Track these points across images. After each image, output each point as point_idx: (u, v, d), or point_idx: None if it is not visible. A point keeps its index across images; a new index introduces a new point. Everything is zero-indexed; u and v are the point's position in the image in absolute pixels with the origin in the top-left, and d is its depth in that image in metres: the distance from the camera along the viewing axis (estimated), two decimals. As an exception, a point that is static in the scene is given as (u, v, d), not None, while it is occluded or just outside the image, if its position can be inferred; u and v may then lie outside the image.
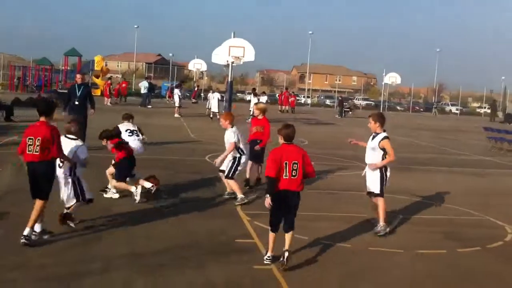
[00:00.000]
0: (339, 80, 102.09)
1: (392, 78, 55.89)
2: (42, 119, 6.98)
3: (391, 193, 11.38)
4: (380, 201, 8.20)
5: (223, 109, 29.88)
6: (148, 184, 9.47)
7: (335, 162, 15.51)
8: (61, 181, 7.44)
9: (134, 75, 70.49)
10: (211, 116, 30.58)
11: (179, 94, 32.46)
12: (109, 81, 41.52)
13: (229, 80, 28.03)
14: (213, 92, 32.92)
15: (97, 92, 46.63)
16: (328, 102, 67.97)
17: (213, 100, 31.29)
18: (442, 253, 7.54)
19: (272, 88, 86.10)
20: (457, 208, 10.44)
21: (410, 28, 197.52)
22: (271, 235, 6.59)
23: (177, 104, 31.96)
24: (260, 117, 11.65)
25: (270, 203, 6.45)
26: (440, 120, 49.59)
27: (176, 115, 30.96)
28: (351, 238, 7.85)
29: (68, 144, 7.44)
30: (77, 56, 50.65)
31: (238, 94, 62.00)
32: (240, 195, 9.64)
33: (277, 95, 53.53)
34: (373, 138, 8.36)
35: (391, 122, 40.46)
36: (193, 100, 48.51)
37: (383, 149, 8.14)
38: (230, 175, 9.77)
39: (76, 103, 14.91)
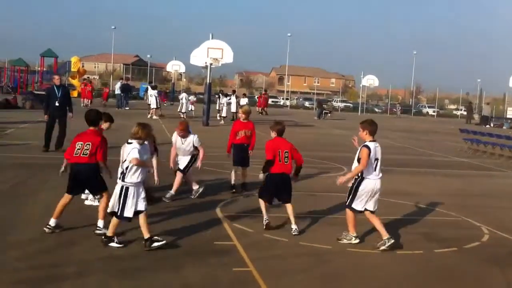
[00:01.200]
0: (318, 82, 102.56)
1: (370, 80, 56.49)
2: (92, 128, 7.59)
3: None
4: (346, 212, 7.77)
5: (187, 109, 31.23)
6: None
7: (315, 164, 15.53)
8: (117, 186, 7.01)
9: (111, 76, 69.87)
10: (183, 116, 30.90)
11: (156, 95, 32.18)
12: (89, 83, 41.06)
13: (208, 82, 27.97)
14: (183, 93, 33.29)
15: (74, 94, 46.19)
16: (307, 104, 68.24)
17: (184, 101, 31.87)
18: (419, 253, 7.57)
19: (251, 90, 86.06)
20: (434, 209, 10.52)
21: (388, 30, 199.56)
22: (262, 202, 8.18)
23: (153, 106, 31.71)
24: (244, 120, 11.16)
25: (263, 178, 8.31)
26: (417, 122, 50.11)
27: (155, 116, 30.73)
28: (331, 240, 7.84)
29: (127, 150, 6.96)
30: (53, 57, 50.04)
31: (217, 96, 61.77)
32: (195, 187, 10.18)
33: (256, 97, 53.57)
34: None
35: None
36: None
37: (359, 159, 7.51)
38: (186, 170, 10.11)
39: (57, 104, 14.76)
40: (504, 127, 47.15)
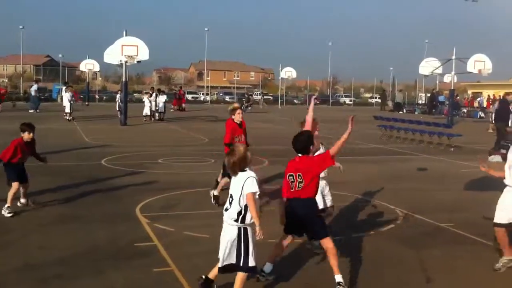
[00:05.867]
0: (238, 76, 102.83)
1: (288, 73, 57.31)
2: (300, 155, 6.01)
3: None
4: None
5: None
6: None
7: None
8: (225, 227, 5.47)
9: (21, 78, 66.75)
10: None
11: (69, 98, 30.19)
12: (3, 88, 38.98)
13: (124, 80, 27.35)
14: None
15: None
16: (227, 98, 68.35)
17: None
18: (337, 239, 7.74)
19: (170, 86, 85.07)
20: (350, 195, 10.85)
21: (303, 22, 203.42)
22: None
23: (67, 110, 29.63)
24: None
25: None
26: (334, 111, 51.48)
27: (67, 117, 29.42)
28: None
29: (238, 180, 5.38)
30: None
31: (134, 95, 60.74)
32: None
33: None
34: None
35: (290, 115, 41.44)
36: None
37: None
38: None
39: None
40: (416, 113, 49.48)
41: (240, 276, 5.37)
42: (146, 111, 30.64)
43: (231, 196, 5.38)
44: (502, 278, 6.45)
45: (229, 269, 5.41)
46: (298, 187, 5.78)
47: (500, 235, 6.57)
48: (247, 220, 5.28)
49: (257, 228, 5.26)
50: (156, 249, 7.09)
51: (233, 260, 5.33)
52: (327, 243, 5.77)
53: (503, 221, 6.51)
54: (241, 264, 5.30)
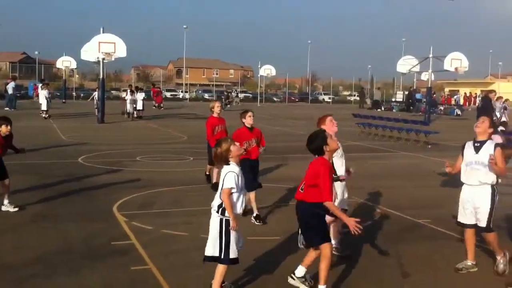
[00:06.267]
0: (217, 74, 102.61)
1: (267, 70, 57.36)
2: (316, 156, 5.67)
3: (274, 183, 11.66)
4: (490, 237, 6.40)
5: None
6: None
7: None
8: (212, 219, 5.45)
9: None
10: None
11: (46, 95, 29.58)
12: None
13: (101, 77, 27.10)
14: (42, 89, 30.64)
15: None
16: (206, 96, 68.24)
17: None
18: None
19: (148, 84, 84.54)
20: (330, 192, 10.87)
21: (282, 20, 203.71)
22: None
23: (44, 108, 29.02)
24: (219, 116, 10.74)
25: None
26: (314, 109, 51.68)
27: (44, 115, 28.96)
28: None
29: (222, 174, 5.44)
30: None
31: (112, 92, 60.27)
32: None
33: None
34: (478, 148, 6.34)
35: (270, 112, 41.50)
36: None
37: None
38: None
39: None
40: (393, 110, 49.90)
41: (220, 268, 5.37)
42: (129, 108, 30.29)
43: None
44: (478, 271, 6.52)
45: (214, 260, 5.39)
46: (301, 188, 5.61)
47: (467, 235, 6.55)
48: (227, 213, 5.30)
49: (231, 222, 5.29)
50: (134, 247, 7.03)
51: (216, 252, 5.33)
52: (324, 249, 5.49)
53: (463, 220, 6.50)
54: (222, 257, 5.31)
